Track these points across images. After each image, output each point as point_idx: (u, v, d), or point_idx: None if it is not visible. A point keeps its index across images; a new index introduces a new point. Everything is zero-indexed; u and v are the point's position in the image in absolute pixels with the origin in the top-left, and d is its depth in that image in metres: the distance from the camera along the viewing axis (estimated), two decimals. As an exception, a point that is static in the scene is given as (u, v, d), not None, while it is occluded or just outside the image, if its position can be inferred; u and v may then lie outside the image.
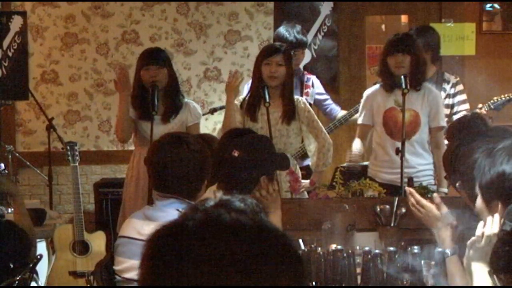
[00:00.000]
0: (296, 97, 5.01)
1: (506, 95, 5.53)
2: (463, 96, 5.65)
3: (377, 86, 5.13)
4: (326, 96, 5.72)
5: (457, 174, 3.25)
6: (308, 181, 4.90)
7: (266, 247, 1.24)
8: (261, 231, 1.26)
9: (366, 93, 5.17)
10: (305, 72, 5.76)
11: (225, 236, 1.24)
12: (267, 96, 4.72)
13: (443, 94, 5.47)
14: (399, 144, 4.68)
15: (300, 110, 4.92)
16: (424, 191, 4.21)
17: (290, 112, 4.87)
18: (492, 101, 5.51)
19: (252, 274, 1.20)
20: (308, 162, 5.72)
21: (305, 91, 5.55)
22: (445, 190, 4.93)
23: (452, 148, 3.41)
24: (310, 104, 5.51)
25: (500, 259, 2.22)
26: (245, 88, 5.53)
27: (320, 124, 5.07)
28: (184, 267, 1.22)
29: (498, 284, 2.24)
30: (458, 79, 5.71)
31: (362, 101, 5.15)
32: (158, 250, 1.27)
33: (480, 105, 5.51)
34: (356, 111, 5.54)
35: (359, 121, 5.16)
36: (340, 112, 5.77)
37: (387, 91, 4.99)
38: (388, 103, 4.97)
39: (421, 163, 5.02)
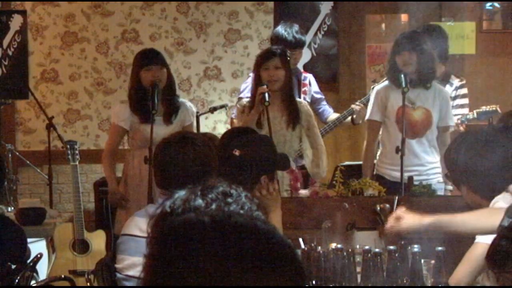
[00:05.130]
0: (299, 100, 5.00)
1: (490, 106, 5.42)
2: (463, 101, 5.61)
3: (386, 83, 5.11)
4: (321, 96, 5.67)
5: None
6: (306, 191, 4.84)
7: (274, 249, 1.26)
8: (272, 233, 1.29)
9: (377, 89, 5.13)
10: (302, 71, 5.74)
11: (241, 236, 1.26)
12: (266, 96, 4.69)
13: None
14: (411, 141, 4.68)
15: (303, 114, 4.91)
16: (426, 190, 4.21)
17: (295, 117, 4.86)
18: (479, 110, 5.43)
19: (258, 275, 1.22)
20: (303, 162, 5.70)
21: (302, 89, 5.52)
22: (450, 187, 4.92)
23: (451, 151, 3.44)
24: (307, 103, 5.50)
25: (497, 254, 2.23)
26: (242, 87, 5.52)
27: (318, 130, 5.05)
28: (194, 263, 1.22)
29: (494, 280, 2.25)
30: (463, 82, 5.64)
31: (373, 97, 5.10)
32: (171, 244, 1.27)
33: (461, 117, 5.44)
34: (350, 113, 5.50)
35: (369, 116, 5.10)
36: (332, 115, 5.67)
37: (397, 88, 4.96)
38: (401, 100, 4.93)
39: (431, 161, 5.02)
